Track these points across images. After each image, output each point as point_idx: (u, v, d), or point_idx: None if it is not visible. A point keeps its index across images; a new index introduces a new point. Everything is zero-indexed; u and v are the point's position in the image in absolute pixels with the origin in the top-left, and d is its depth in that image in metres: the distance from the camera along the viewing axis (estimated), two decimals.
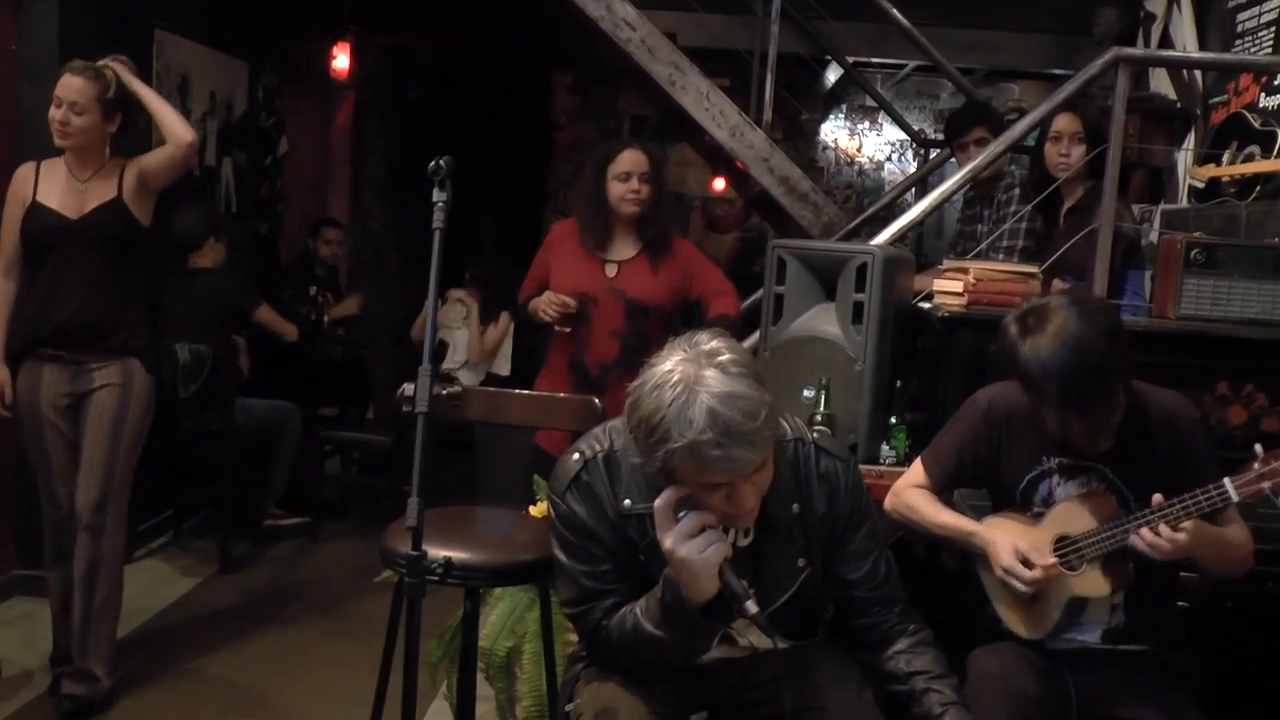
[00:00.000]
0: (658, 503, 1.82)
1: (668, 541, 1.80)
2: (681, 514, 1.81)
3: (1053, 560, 2.16)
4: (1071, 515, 2.19)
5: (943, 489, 2.38)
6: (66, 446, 3.36)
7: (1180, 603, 2.37)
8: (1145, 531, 2.04)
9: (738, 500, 1.81)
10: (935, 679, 1.99)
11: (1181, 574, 2.33)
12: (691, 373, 1.75)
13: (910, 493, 2.39)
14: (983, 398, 2.36)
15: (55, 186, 3.33)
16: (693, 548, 1.78)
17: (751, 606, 1.80)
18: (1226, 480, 2.03)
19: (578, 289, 3.57)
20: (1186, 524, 2.02)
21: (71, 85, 3.26)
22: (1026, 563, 2.14)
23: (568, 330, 3.59)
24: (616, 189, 3.54)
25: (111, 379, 3.35)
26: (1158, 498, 2.05)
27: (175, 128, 3.40)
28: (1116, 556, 2.14)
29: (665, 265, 3.60)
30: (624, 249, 3.61)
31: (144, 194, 3.40)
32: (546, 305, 3.56)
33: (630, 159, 3.55)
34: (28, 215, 3.31)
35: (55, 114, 3.27)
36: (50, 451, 3.36)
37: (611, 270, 3.59)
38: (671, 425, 1.73)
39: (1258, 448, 2.04)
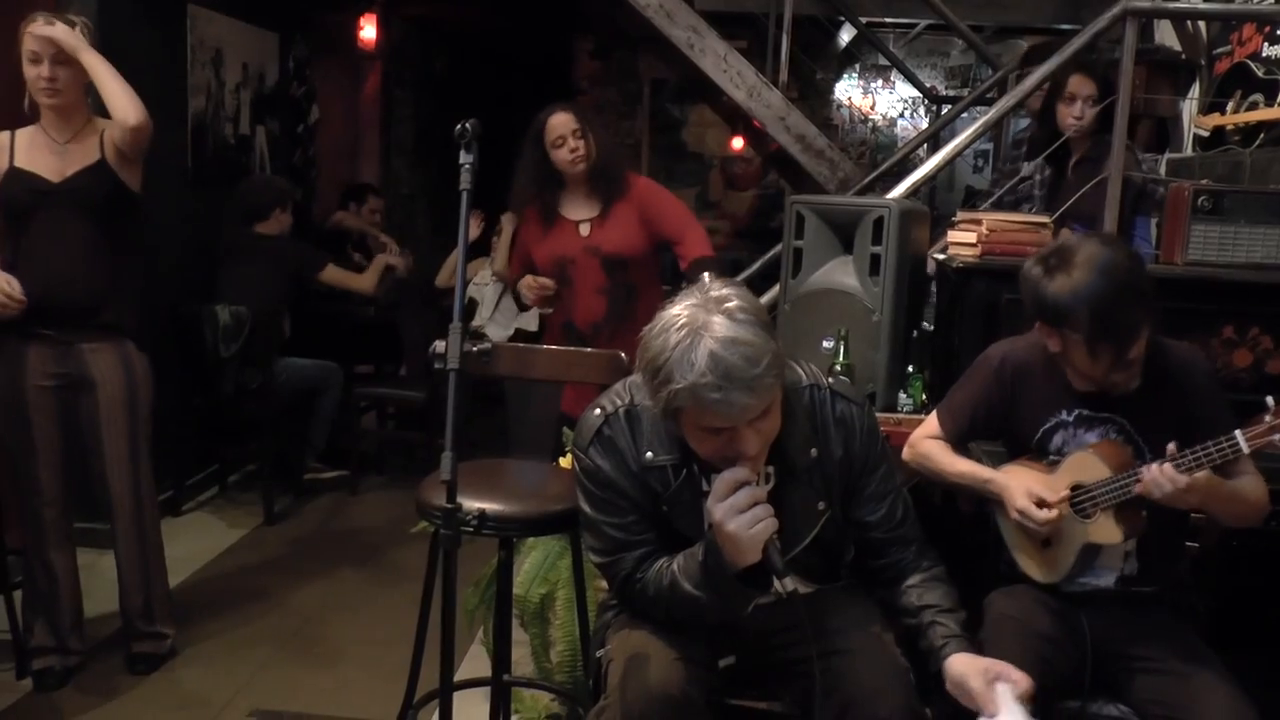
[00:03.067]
0: (722, 476, 1.83)
1: (718, 514, 1.81)
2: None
3: (1064, 495, 2.21)
4: (1086, 464, 2.22)
5: (957, 443, 2.42)
6: (54, 430, 3.20)
7: (1189, 543, 2.40)
8: (1151, 469, 2.07)
9: (739, 446, 1.83)
10: (943, 613, 2.02)
11: (1191, 515, 2.36)
12: (699, 317, 1.79)
13: (926, 443, 2.44)
14: (995, 353, 2.39)
15: (33, 151, 3.13)
16: (742, 523, 1.80)
17: (789, 584, 1.83)
18: (1238, 432, 2.04)
19: (556, 255, 3.64)
20: (1199, 475, 2.04)
21: (48, 35, 3.01)
22: (1041, 504, 2.19)
23: (549, 311, 3.67)
24: (559, 156, 3.58)
25: (110, 367, 3.23)
26: (1171, 447, 2.08)
27: (123, 107, 3.09)
28: (1130, 505, 2.17)
29: (628, 212, 3.63)
30: (590, 207, 3.66)
31: (129, 161, 3.19)
32: (526, 289, 3.67)
33: (558, 123, 3.57)
34: (6, 182, 3.10)
35: (38, 70, 3.03)
36: (35, 434, 3.19)
37: (585, 230, 3.65)
38: (674, 367, 1.77)
39: (1269, 400, 2.05)
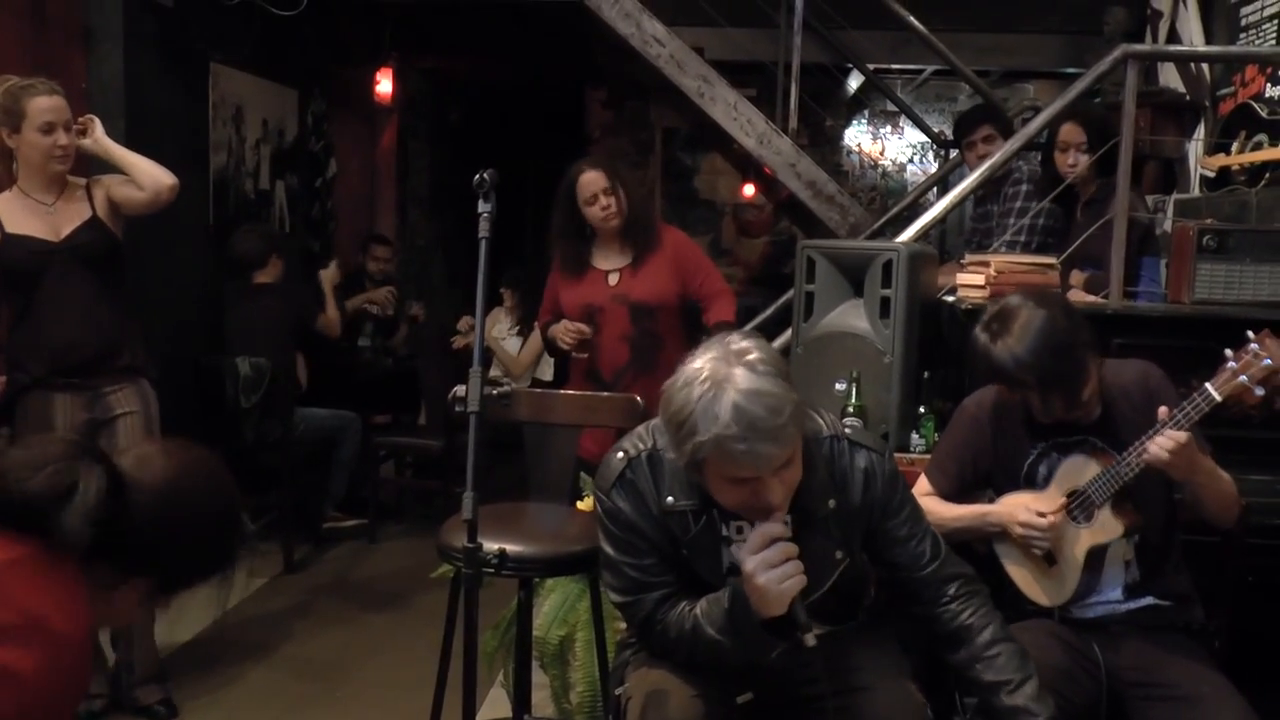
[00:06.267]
0: (759, 528, 1.88)
1: (749, 565, 1.85)
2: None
3: (1062, 501, 2.30)
4: (1076, 470, 2.33)
5: (949, 496, 2.49)
6: None
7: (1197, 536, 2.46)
8: (1157, 439, 2.14)
9: (764, 495, 1.85)
10: (1015, 690, 2.00)
11: (1190, 537, 2.43)
12: (720, 370, 1.81)
13: (921, 500, 2.45)
14: (969, 403, 2.51)
15: (22, 215, 3.20)
16: (773, 577, 1.84)
17: (810, 640, 1.84)
18: (1207, 384, 2.13)
19: (584, 303, 3.70)
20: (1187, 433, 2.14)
21: (60, 105, 3.14)
22: (1041, 516, 2.28)
23: (584, 355, 3.73)
24: (591, 213, 3.65)
25: (130, 406, 3.32)
26: (1163, 410, 2.17)
27: (155, 174, 3.28)
28: (1124, 498, 2.27)
29: (660, 262, 3.70)
30: (620, 257, 3.73)
31: (116, 215, 3.32)
32: (563, 333, 3.72)
33: (588, 181, 3.64)
34: (3, 248, 3.17)
35: (55, 139, 3.14)
36: None
37: (614, 279, 3.71)
38: (699, 420, 1.79)
39: (1228, 351, 2.15)
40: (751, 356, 1.84)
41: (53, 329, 3.22)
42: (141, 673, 3.47)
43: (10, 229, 3.19)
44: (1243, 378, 2.11)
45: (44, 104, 3.13)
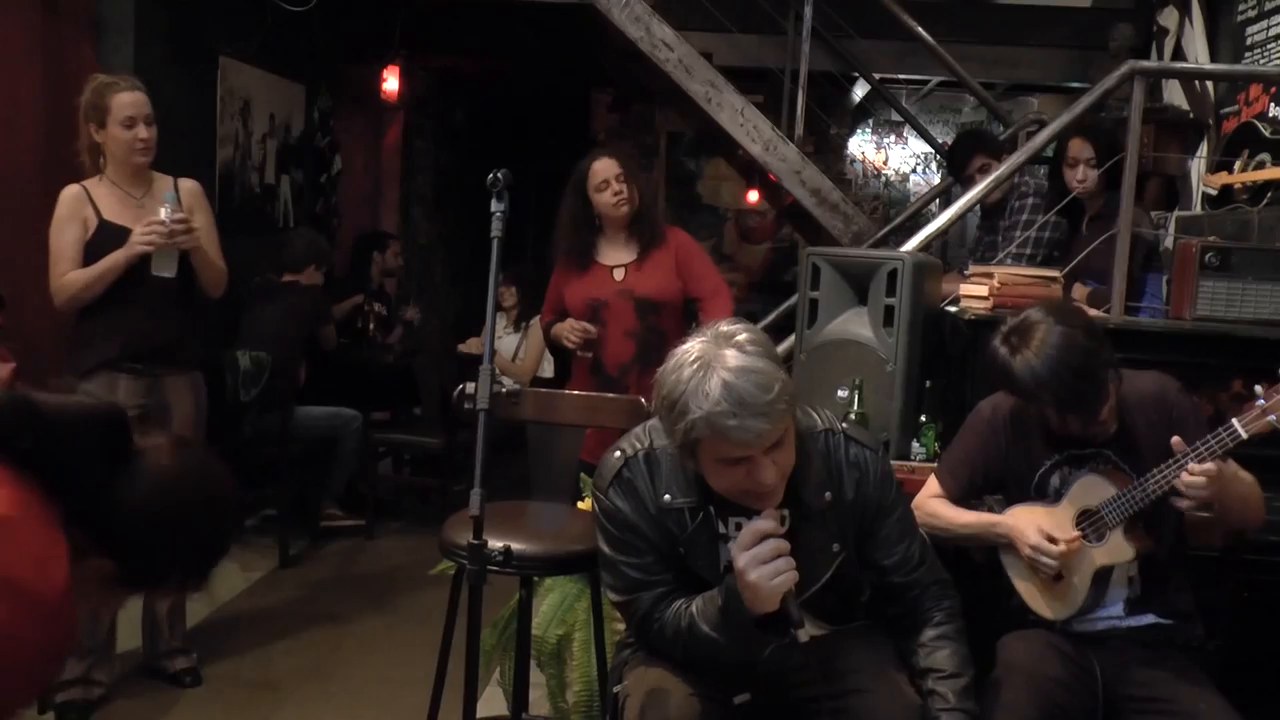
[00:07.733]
0: (750, 524, 1.90)
1: (741, 561, 1.87)
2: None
3: (1075, 534, 2.28)
4: (1090, 489, 2.31)
5: (960, 500, 2.48)
6: None
7: (1196, 551, 2.45)
8: (1185, 477, 2.13)
9: (758, 476, 1.87)
10: (944, 679, 2.05)
11: (1189, 552, 2.43)
12: (710, 351, 1.86)
13: (930, 502, 2.50)
14: (985, 406, 2.49)
15: (115, 205, 3.33)
16: (764, 573, 1.86)
17: (803, 635, 1.87)
18: (1234, 420, 2.13)
19: (589, 297, 3.71)
20: (1211, 462, 2.12)
21: (140, 100, 3.30)
22: (1052, 540, 2.26)
23: (589, 355, 3.73)
24: (602, 200, 3.66)
25: (184, 395, 3.46)
26: (1177, 440, 2.16)
27: (214, 283, 3.49)
28: (1136, 521, 2.26)
29: (665, 258, 3.72)
30: (626, 252, 3.74)
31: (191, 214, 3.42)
32: (568, 332, 3.72)
33: (602, 168, 3.66)
34: (98, 235, 3.29)
35: (137, 133, 3.28)
36: None
37: (619, 274, 3.72)
38: (690, 399, 1.83)
39: (1258, 387, 2.14)
40: (740, 338, 1.88)
41: (129, 316, 3.34)
42: (171, 643, 3.60)
43: (106, 216, 3.32)
44: (1271, 417, 2.11)
45: (126, 99, 3.28)
